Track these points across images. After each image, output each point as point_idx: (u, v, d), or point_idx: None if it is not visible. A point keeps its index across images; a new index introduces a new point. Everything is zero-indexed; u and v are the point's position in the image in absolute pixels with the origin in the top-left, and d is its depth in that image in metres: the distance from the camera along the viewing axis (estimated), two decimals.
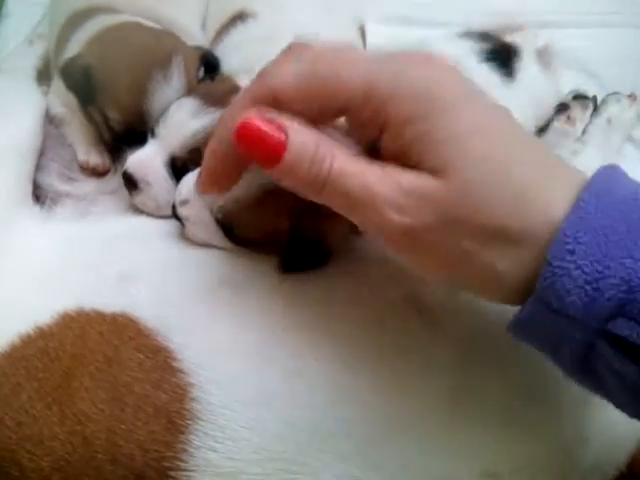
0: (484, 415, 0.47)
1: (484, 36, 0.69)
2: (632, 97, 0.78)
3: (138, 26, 0.63)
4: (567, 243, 0.31)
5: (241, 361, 0.45)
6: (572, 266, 0.30)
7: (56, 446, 0.45)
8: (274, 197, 0.47)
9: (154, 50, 0.60)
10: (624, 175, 0.35)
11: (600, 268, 0.30)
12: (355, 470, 0.45)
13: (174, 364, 0.45)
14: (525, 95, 0.68)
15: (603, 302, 0.30)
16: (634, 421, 0.39)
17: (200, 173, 0.42)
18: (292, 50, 0.39)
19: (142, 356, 0.46)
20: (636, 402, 0.33)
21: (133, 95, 0.58)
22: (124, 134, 0.60)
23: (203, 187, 0.42)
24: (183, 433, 0.43)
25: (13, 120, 0.62)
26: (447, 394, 0.46)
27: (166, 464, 0.43)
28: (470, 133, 0.33)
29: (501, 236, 0.33)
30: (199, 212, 0.52)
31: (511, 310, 0.36)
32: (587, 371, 0.33)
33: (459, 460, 0.46)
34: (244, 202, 0.48)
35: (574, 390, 0.47)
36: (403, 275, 0.49)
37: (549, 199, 0.33)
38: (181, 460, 0.43)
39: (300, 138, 0.35)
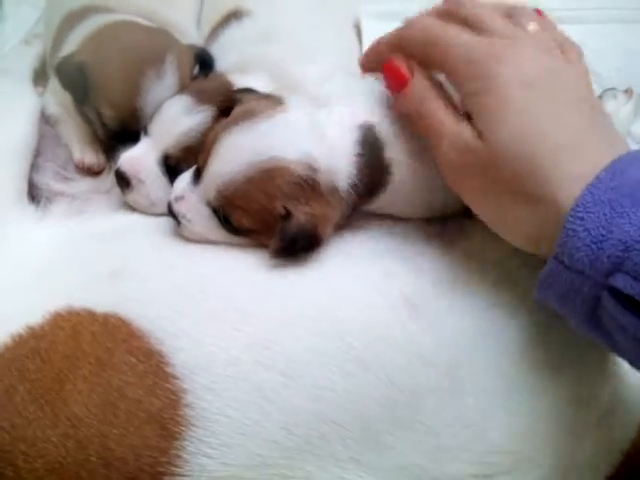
0: (479, 414, 0.47)
1: None
2: (629, 92, 0.78)
3: (132, 24, 0.63)
4: (579, 211, 0.37)
5: (235, 366, 0.45)
6: (581, 229, 0.37)
7: (50, 448, 0.45)
8: (270, 177, 0.47)
9: (147, 48, 0.59)
10: None
11: (604, 232, 0.36)
12: (350, 475, 0.45)
13: (167, 369, 0.45)
14: None
15: (604, 259, 0.36)
16: (628, 419, 0.41)
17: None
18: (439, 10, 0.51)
19: (135, 360, 0.45)
20: None
21: (126, 92, 0.58)
22: (118, 132, 0.60)
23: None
24: (177, 439, 0.43)
25: (9, 120, 0.62)
26: (437, 393, 0.46)
27: (160, 469, 0.43)
28: (516, 111, 0.41)
29: (526, 196, 0.41)
30: (195, 207, 0.51)
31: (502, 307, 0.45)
32: (597, 326, 0.39)
33: (455, 461, 0.46)
34: (240, 183, 0.48)
35: (568, 390, 0.48)
36: (396, 273, 0.50)
37: (573, 176, 0.39)
38: (175, 466, 0.43)
39: (419, 81, 0.47)
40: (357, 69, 0.59)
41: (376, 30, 0.78)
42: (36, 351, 0.47)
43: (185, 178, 0.53)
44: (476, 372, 0.47)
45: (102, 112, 0.59)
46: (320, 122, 0.50)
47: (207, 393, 0.44)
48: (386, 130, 0.52)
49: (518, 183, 0.41)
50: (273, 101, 0.51)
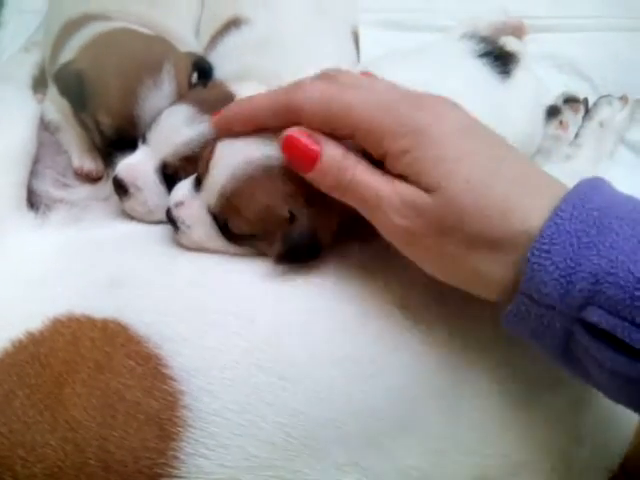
0: (477, 419, 0.47)
1: (485, 39, 0.69)
2: (624, 99, 0.79)
3: (130, 32, 0.64)
4: (544, 244, 0.36)
5: (232, 369, 0.45)
6: (548, 262, 0.36)
7: (49, 453, 0.45)
8: (271, 179, 0.48)
9: (145, 55, 0.60)
10: (605, 185, 0.40)
11: (572, 264, 0.35)
12: (349, 478, 0.45)
13: (165, 371, 0.45)
14: (517, 95, 0.68)
15: (575, 293, 0.35)
16: (625, 422, 0.40)
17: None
18: (322, 75, 0.47)
19: (133, 363, 0.46)
20: (623, 390, 0.36)
21: (124, 100, 0.58)
22: (115, 139, 0.61)
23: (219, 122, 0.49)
24: (174, 440, 0.44)
25: (8, 127, 0.63)
26: (437, 396, 0.47)
27: (158, 471, 0.43)
28: (456, 159, 0.40)
29: (484, 243, 0.39)
30: (195, 213, 0.51)
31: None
32: (571, 359, 0.38)
33: (454, 465, 0.47)
34: (241, 187, 0.48)
35: (566, 392, 0.48)
36: (393, 281, 0.50)
37: (529, 210, 0.38)
38: (173, 467, 0.43)
39: (330, 151, 0.44)
40: None
41: (373, 38, 0.80)
42: (35, 356, 0.48)
43: (185, 185, 0.53)
44: (475, 379, 0.48)
45: (99, 120, 0.59)
46: None
47: (205, 395, 0.44)
48: None
49: (476, 230, 0.39)
50: None
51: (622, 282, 0.34)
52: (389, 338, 0.48)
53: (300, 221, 0.47)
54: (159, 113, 0.58)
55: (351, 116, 0.42)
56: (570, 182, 0.68)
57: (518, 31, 0.74)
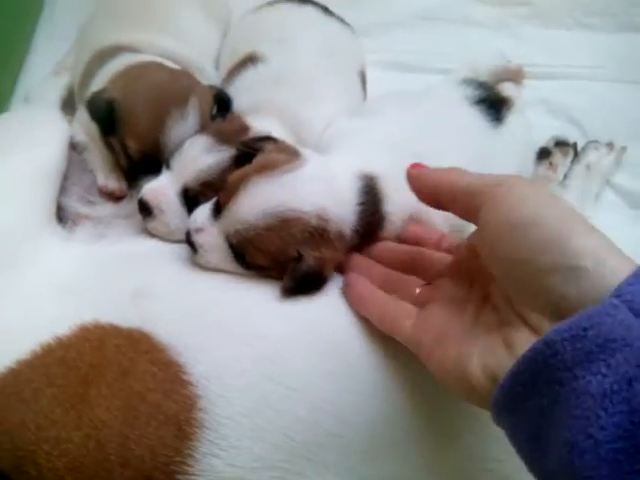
0: (464, 434, 0.51)
1: (482, 85, 0.74)
2: (610, 145, 0.84)
3: (159, 65, 0.68)
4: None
5: (244, 377, 0.49)
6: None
7: (71, 448, 0.48)
8: (287, 226, 0.53)
9: (172, 88, 0.65)
10: None
11: None
12: None
13: (184, 377, 0.49)
14: (509, 140, 0.72)
15: None
16: None
17: None
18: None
19: (155, 369, 0.49)
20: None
21: (152, 128, 0.63)
22: (141, 163, 0.65)
23: None
24: (191, 440, 0.47)
25: (40, 146, 0.66)
26: (428, 410, 0.51)
27: (173, 468, 0.47)
28: None
29: None
30: (213, 239, 0.56)
31: None
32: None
33: (445, 476, 0.51)
34: (260, 228, 0.53)
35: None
36: None
37: None
38: (187, 465, 0.47)
39: None
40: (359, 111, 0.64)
41: (378, 77, 0.86)
42: (63, 359, 0.51)
43: (204, 211, 0.58)
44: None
45: (127, 144, 0.64)
46: (330, 173, 0.57)
47: (219, 400, 0.48)
48: (387, 183, 0.58)
49: None
50: (291, 154, 0.57)
51: None
52: (390, 357, 0.52)
53: (307, 261, 0.53)
54: (183, 141, 0.63)
55: None
56: None
57: (517, 76, 0.80)
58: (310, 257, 0.53)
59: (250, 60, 0.74)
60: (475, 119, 0.71)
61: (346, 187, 0.57)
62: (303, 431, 0.49)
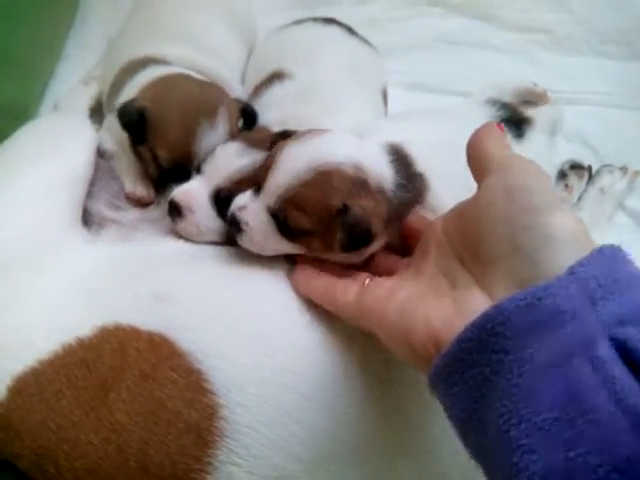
0: None
1: (506, 106, 0.75)
2: (624, 169, 0.86)
3: (188, 77, 0.70)
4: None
5: (265, 387, 0.50)
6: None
7: (91, 450, 0.49)
8: (326, 178, 0.53)
9: (203, 99, 0.66)
10: None
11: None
12: None
13: (206, 385, 0.49)
14: (528, 155, 0.74)
15: None
16: None
17: None
18: None
19: (176, 375, 0.50)
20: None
21: (182, 138, 0.64)
22: (170, 171, 0.66)
23: None
24: (210, 448, 0.48)
25: (69, 152, 0.68)
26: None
27: (193, 475, 0.48)
28: None
29: None
30: (256, 214, 0.56)
31: None
32: None
33: None
34: (299, 186, 0.53)
35: None
36: None
37: None
38: (207, 472, 0.48)
39: None
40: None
41: (399, 96, 0.88)
42: (84, 361, 0.52)
43: (245, 194, 0.58)
44: None
45: (158, 153, 0.65)
46: (359, 141, 0.58)
47: (240, 409, 0.49)
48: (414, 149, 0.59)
49: None
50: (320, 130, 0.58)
51: None
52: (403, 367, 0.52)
53: (353, 210, 0.52)
54: (212, 151, 0.64)
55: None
56: None
57: (540, 99, 0.80)
58: (355, 206, 0.52)
59: (276, 77, 0.75)
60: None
61: (376, 150, 0.58)
62: (320, 441, 0.49)
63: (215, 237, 0.64)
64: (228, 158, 0.62)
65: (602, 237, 0.80)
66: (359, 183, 0.53)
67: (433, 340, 0.39)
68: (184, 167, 0.65)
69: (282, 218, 0.55)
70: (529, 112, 0.78)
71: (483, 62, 0.97)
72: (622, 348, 0.31)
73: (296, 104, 0.72)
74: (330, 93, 0.74)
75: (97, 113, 0.82)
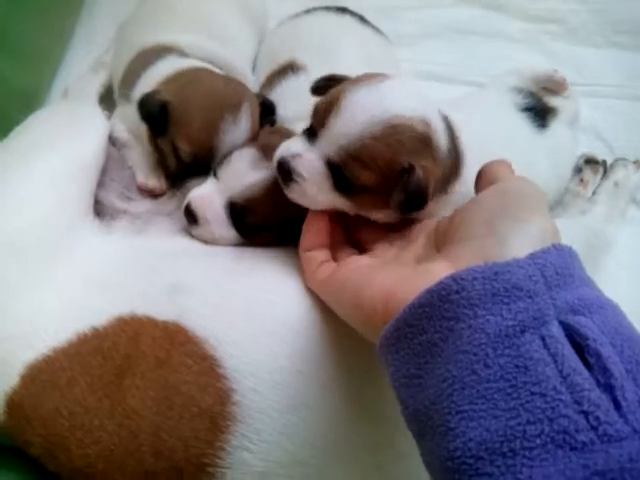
0: None
1: (531, 95, 0.76)
2: (638, 163, 0.85)
3: (211, 72, 0.69)
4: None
5: (279, 373, 0.50)
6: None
7: (104, 436, 0.49)
8: (396, 133, 0.50)
9: (227, 94, 0.65)
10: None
11: None
12: None
13: (219, 371, 0.50)
14: (551, 145, 0.74)
15: None
16: None
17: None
18: None
19: (191, 361, 0.50)
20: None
21: (205, 133, 0.63)
22: (190, 165, 0.66)
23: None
24: (223, 433, 0.48)
25: (80, 141, 0.67)
26: None
27: (205, 460, 0.48)
28: None
29: None
30: (312, 164, 0.52)
31: None
32: None
33: None
34: (367, 138, 0.49)
35: None
36: None
37: None
38: (219, 457, 0.48)
39: None
40: None
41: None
42: (99, 349, 0.52)
43: (296, 140, 0.54)
44: None
45: (179, 146, 0.64)
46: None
47: (253, 394, 0.49)
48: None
49: None
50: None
51: None
52: None
53: (417, 171, 0.49)
54: (235, 147, 0.64)
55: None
56: (583, 233, 0.74)
57: (559, 87, 0.80)
58: (419, 167, 0.50)
59: (290, 68, 0.75)
60: (521, 124, 0.72)
61: (437, 108, 0.55)
62: (333, 428, 0.49)
63: (230, 244, 0.64)
64: (243, 169, 0.61)
65: (616, 231, 0.80)
66: (425, 141, 0.51)
67: (384, 299, 0.41)
68: (205, 162, 0.65)
69: (342, 171, 0.51)
70: (555, 102, 0.78)
71: (495, 52, 0.96)
72: (570, 333, 0.33)
73: (311, 98, 0.71)
74: None
75: (107, 101, 0.81)
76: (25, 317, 0.53)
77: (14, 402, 0.51)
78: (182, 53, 0.72)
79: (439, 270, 0.39)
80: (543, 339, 0.32)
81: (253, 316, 0.53)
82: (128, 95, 0.71)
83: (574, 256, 0.38)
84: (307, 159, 0.52)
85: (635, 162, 0.85)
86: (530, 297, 0.34)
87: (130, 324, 0.53)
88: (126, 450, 0.49)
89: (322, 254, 0.54)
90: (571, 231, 0.77)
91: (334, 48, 0.75)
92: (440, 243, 0.46)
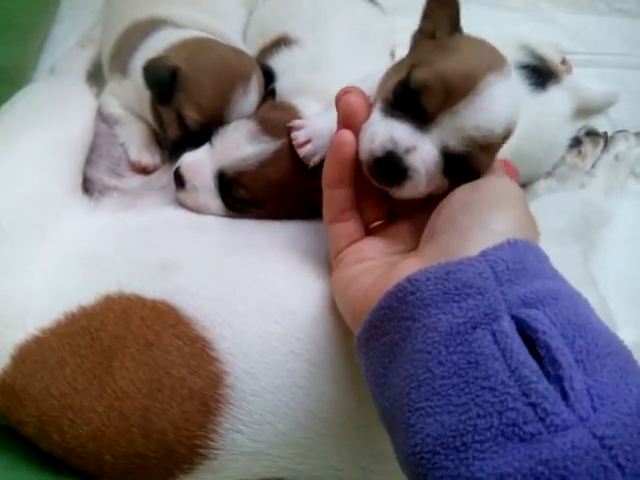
0: None
1: (535, 55, 0.74)
2: (639, 135, 0.83)
3: (220, 42, 0.68)
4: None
5: (272, 354, 0.49)
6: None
7: (94, 417, 0.49)
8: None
9: (238, 64, 0.64)
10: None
11: None
12: (363, 461, 0.50)
13: (211, 353, 0.49)
14: (547, 108, 0.73)
15: None
16: None
17: None
18: None
19: (181, 343, 0.49)
20: None
21: (216, 101, 0.62)
22: (195, 134, 0.64)
23: None
24: (215, 415, 0.48)
25: (67, 116, 0.66)
26: None
27: (196, 442, 0.48)
28: None
29: None
30: (428, 156, 0.44)
31: None
32: None
33: None
34: (501, 137, 0.45)
35: None
36: None
37: None
38: (210, 439, 0.48)
39: None
40: None
41: None
42: (87, 329, 0.51)
43: (400, 127, 0.45)
44: None
45: (186, 114, 0.62)
46: None
47: (245, 376, 0.48)
48: None
49: None
50: None
51: None
52: None
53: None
54: (243, 116, 0.62)
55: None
56: (581, 207, 0.73)
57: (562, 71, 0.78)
58: None
59: (283, 42, 0.73)
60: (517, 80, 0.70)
61: None
62: (325, 408, 0.49)
63: (212, 213, 0.62)
64: (238, 141, 0.60)
65: (615, 205, 0.78)
66: None
67: (361, 301, 0.42)
68: (211, 130, 0.63)
69: (465, 160, 0.45)
70: (560, 67, 0.76)
71: (493, 20, 0.93)
72: (520, 327, 0.33)
73: (307, 71, 0.70)
74: (340, 60, 0.71)
75: (94, 77, 0.79)
76: (14, 298, 0.53)
77: (6, 383, 0.51)
78: (176, 26, 0.70)
79: (407, 269, 0.39)
80: (494, 334, 0.33)
81: (246, 294, 0.52)
82: (122, 68, 0.69)
83: (530, 249, 0.38)
84: (424, 151, 0.44)
85: (637, 134, 0.83)
86: (480, 294, 0.35)
87: (118, 303, 0.52)
88: (116, 431, 0.49)
89: (347, 227, 0.49)
90: (569, 205, 0.76)
91: (329, 24, 0.73)
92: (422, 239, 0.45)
